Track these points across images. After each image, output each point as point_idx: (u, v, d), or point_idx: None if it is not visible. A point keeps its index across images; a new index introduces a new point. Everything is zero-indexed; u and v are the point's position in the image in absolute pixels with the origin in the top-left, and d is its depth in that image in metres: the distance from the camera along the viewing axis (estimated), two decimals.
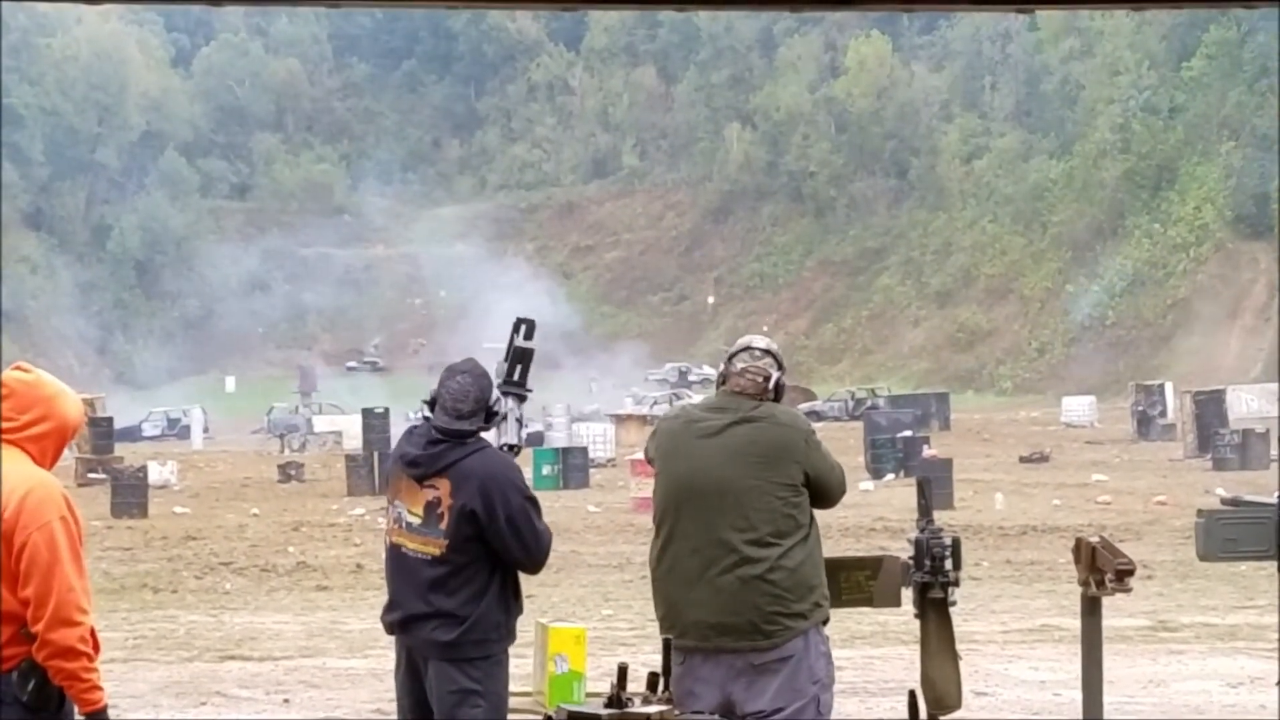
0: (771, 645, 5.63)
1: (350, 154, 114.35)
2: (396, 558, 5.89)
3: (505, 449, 6.04)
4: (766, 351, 5.94)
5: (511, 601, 5.89)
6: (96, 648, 4.85)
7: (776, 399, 5.89)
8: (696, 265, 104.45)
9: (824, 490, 5.83)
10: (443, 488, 5.78)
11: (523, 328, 6.24)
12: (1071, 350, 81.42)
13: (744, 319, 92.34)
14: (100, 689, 4.77)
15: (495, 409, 5.90)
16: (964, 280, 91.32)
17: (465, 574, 5.77)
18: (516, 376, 6.16)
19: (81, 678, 4.73)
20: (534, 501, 5.87)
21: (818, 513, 5.90)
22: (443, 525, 5.77)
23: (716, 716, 5.42)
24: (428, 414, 5.93)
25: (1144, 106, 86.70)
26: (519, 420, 6.12)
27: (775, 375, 5.88)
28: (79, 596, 4.74)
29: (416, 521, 5.81)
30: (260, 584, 19.56)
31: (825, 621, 5.80)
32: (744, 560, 5.66)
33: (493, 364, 6.26)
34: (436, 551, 5.77)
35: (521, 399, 6.16)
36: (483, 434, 5.92)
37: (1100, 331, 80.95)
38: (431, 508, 5.79)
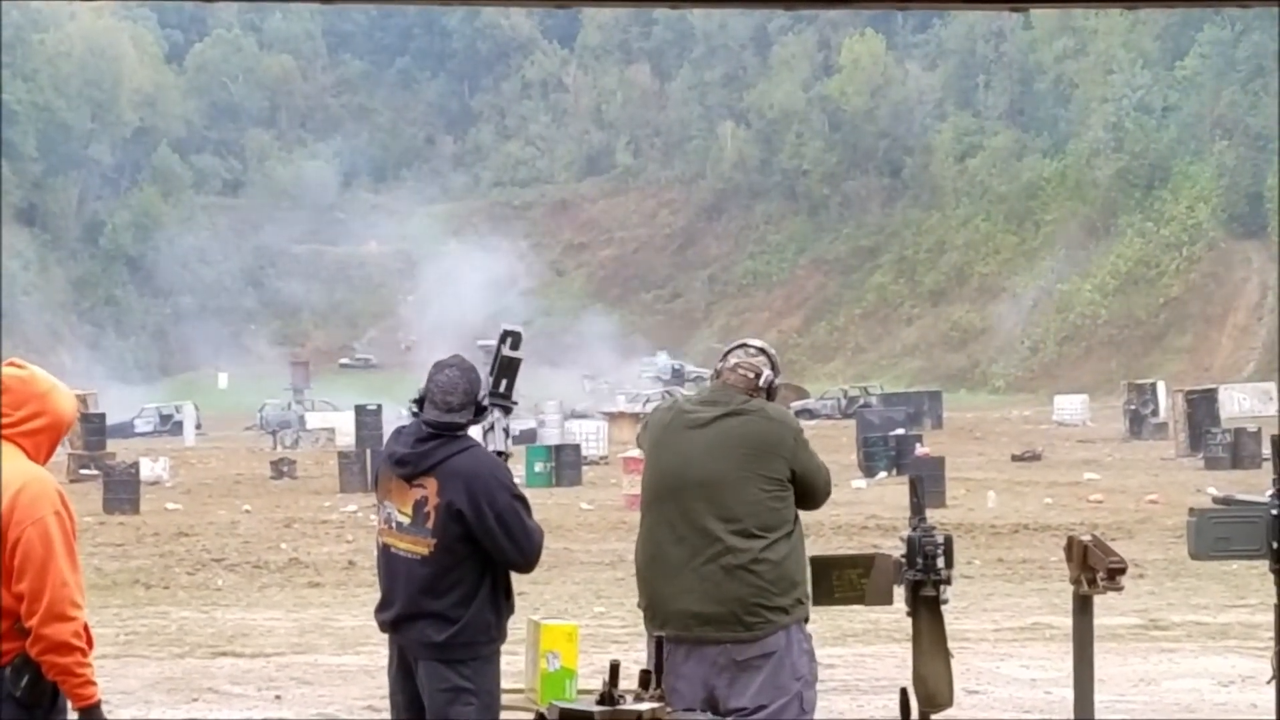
0: (752, 638, 5.64)
1: (343, 150, 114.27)
2: (387, 558, 5.88)
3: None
4: (761, 350, 6.01)
5: (502, 602, 5.88)
6: (90, 643, 4.85)
7: (768, 398, 5.92)
8: (690, 263, 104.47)
9: (809, 490, 5.86)
10: (430, 487, 5.77)
11: (509, 339, 6.24)
12: (1064, 349, 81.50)
13: (737, 317, 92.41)
14: (94, 684, 4.77)
15: (483, 404, 5.90)
16: (957, 279, 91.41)
17: (455, 574, 5.76)
18: (502, 389, 6.16)
19: (75, 673, 4.72)
20: (523, 499, 5.86)
21: (803, 513, 5.92)
22: (430, 524, 5.76)
23: (709, 714, 5.43)
24: (416, 411, 5.93)
25: (1137, 105, 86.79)
26: (505, 430, 6.13)
27: (767, 373, 5.93)
28: (73, 592, 4.74)
29: (406, 521, 5.81)
30: (252, 580, 19.55)
31: (806, 620, 5.81)
32: (728, 550, 5.68)
33: (485, 363, 6.27)
34: (425, 551, 5.76)
35: (507, 410, 6.16)
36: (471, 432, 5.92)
37: (1093, 330, 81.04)
38: (419, 507, 5.78)
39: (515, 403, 6.22)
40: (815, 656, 5.85)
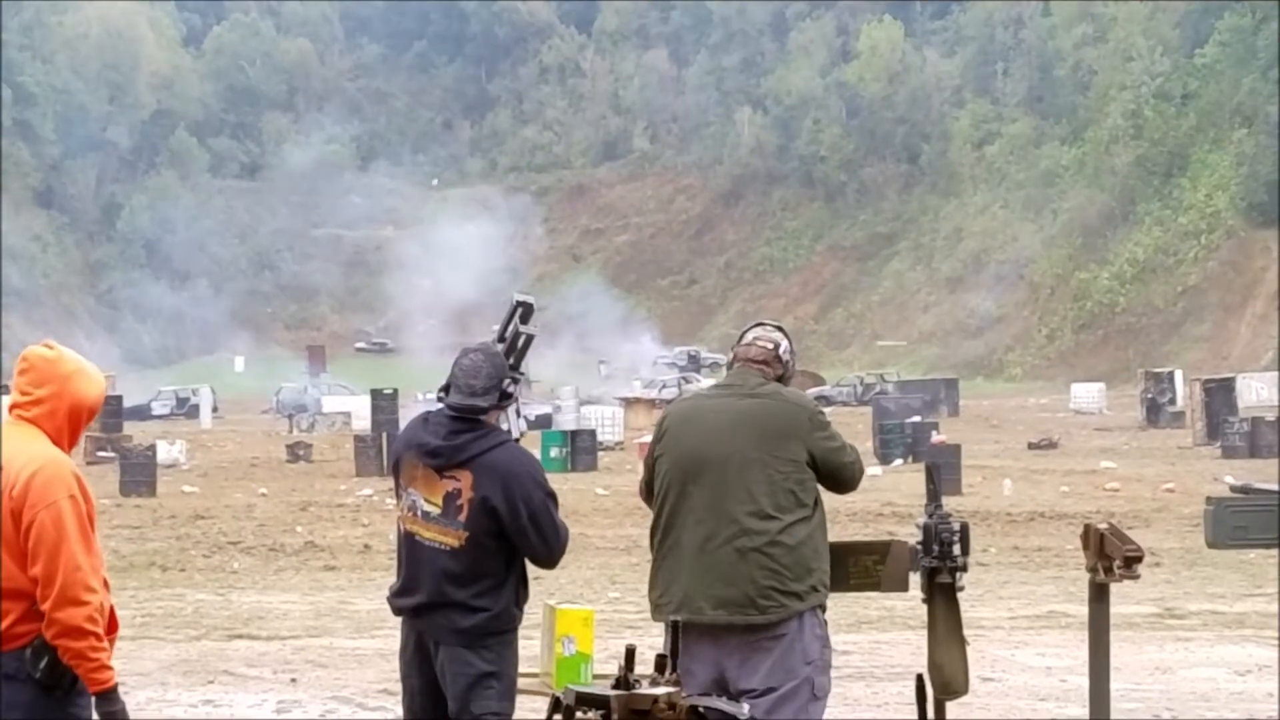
0: (765, 621, 5.63)
1: (361, 135, 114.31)
2: (411, 545, 5.86)
3: None
4: (778, 328, 6.06)
5: (522, 590, 5.90)
6: (113, 626, 4.85)
7: (785, 373, 5.94)
8: (706, 249, 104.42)
9: (833, 473, 5.84)
10: (464, 480, 5.75)
11: (519, 310, 6.22)
12: (1081, 337, 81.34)
13: (753, 303, 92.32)
14: (109, 668, 4.75)
15: (508, 390, 5.88)
16: (974, 266, 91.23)
17: (484, 565, 5.76)
18: (512, 360, 6.15)
19: (89, 657, 4.71)
20: (554, 497, 5.88)
21: (827, 498, 5.91)
22: (462, 517, 5.74)
23: (724, 698, 5.42)
24: (442, 397, 5.91)
25: (1156, 93, 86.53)
26: (517, 411, 6.11)
27: (785, 343, 5.96)
28: (86, 575, 4.72)
29: (434, 511, 5.79)
30: (268, 563, 19.59)
31: (822, 607, 5.79)
32: (743, 532, 5.67)
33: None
34: (455, 543, 5.75)
35: (515, 381, 6.15)
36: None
37: (1110, 318, 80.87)
38: (451, 499, 5.76)
39: (524, 373, 6.22)
40: (829, 642, 5.83)
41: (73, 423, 4.92)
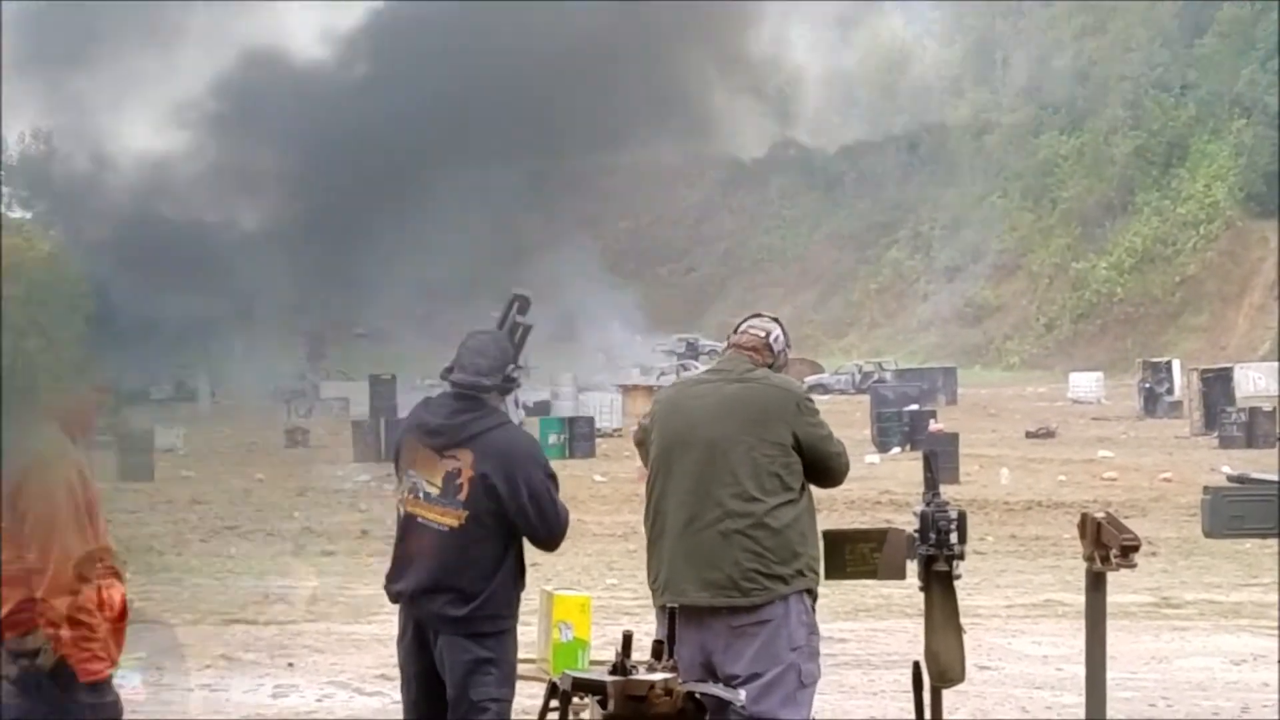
0: (749, 604, 5.62)
1: None
2: (410, 527, 5.86)
3: None
4: (774, 320, 6.09)
5: (519, 576, 5.89)
6: (124, 613, 4.82)
7: (775, 361, 5.96)
8: (705, 238, 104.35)
9: (819, 460, 5.82)
10: (464, 459, 5.75)
11: (516, 303, 6.23)
12: (1079, 326, 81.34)
13: (752, 292, 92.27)
14: (101, 659, 4.68)
15: (512, 374, 5.89)
16: (973, 255, 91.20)
17: (482, 546, 5.76)
18: (512, 352, 6.14)
19: (80, 647, 4.67)
20: (554, 478, 5.89)
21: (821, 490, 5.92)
22: (461, 496, 5.74)
23: (721, 685, 5.43)
24: (446, 377, 5.92)
25: (1155, 83, 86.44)
26: (516, 400, 6.13)
27: (777, 332, 5.99)
28: (80, 565, 4.69)
29: (434, 492, 5.78)
30: (265, 549, 19.59)
31: (812, 595, 5.78)
32: (727, 514, 5.68)
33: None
34: (455, 522, 5.75)
35: (517, 367, 6.16)
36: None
37: (1108, 308, 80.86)
38: (451, 478, 5.76)
39: (522, 367, 6.23)
40: (817, 629, 5.82)
41: (86, 412, 4.90)
